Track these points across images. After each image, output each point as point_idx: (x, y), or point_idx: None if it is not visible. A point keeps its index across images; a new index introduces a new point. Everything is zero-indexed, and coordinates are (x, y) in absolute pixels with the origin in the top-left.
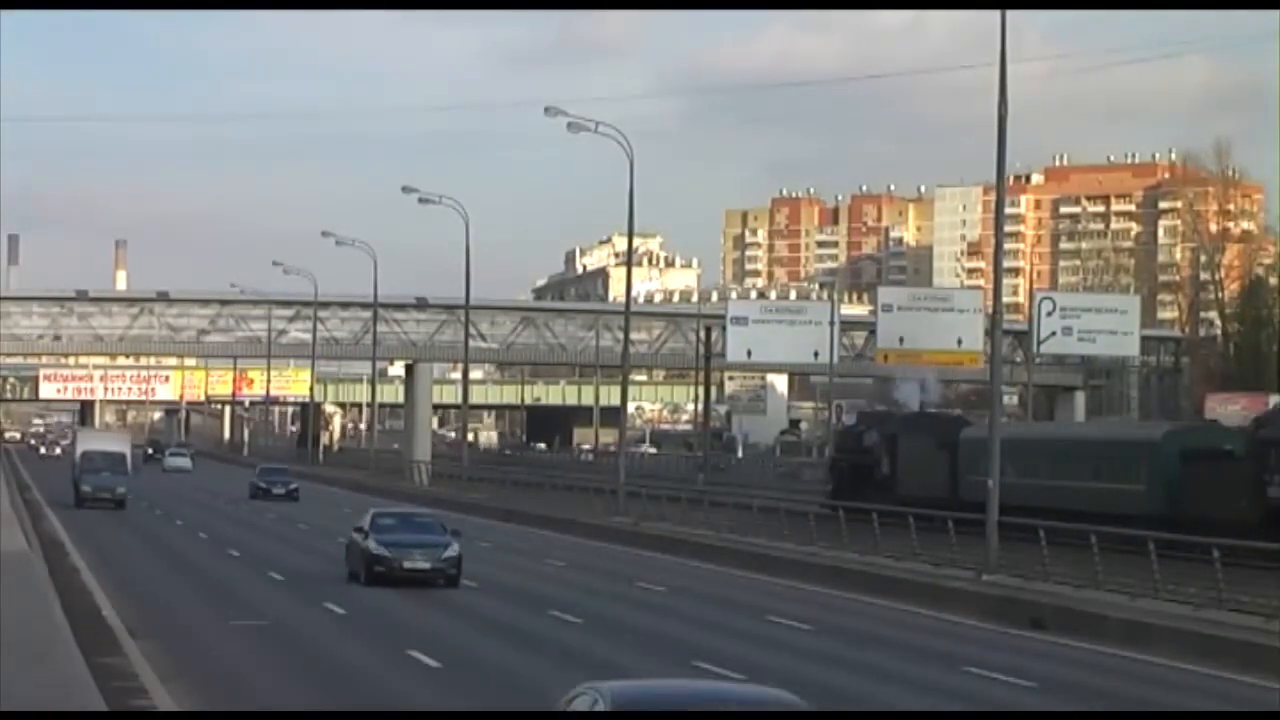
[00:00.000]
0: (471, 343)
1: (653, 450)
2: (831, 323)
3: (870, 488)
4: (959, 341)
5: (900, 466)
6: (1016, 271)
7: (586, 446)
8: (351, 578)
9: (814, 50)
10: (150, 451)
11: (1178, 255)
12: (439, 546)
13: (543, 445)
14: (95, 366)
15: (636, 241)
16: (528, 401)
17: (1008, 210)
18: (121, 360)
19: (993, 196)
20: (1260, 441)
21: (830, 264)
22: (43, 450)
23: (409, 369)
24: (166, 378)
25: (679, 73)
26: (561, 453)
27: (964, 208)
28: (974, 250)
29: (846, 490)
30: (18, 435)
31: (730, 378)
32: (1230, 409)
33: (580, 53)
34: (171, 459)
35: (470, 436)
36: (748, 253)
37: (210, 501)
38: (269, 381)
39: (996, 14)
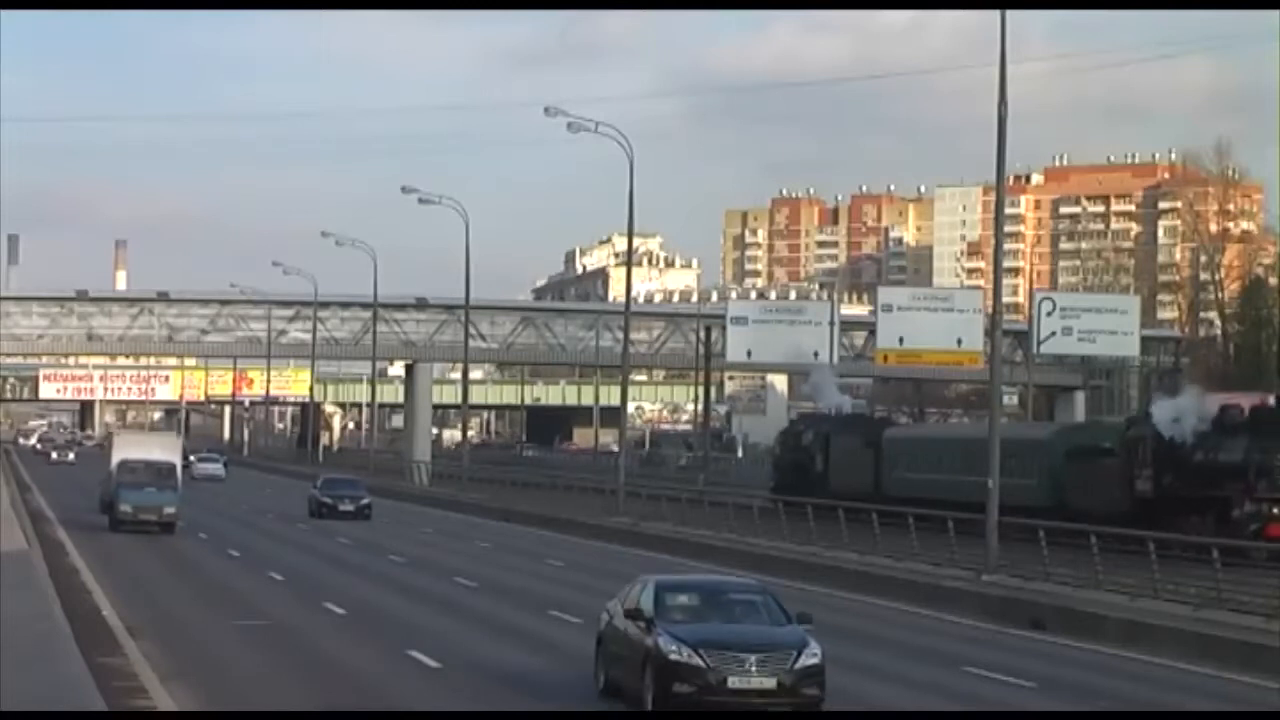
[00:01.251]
0: (471, 343)
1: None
2: (831, 323)
3: (807, 483)
4: (959, 341)
5: (832, 464)
6: (1016, 271)
7: (573, 446)
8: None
9: (815, 50)
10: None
11: (1178, 255)
12: (785, 649)
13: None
14: (95, 366)
15: (636, 241)
16: (528, 401)
17: (1008, 210)
18: (121, 360)
19: (993, 196)
20: (1130, 440)
21: (830, 264)
22: (54, 455)
23: (409, 369)
24: (166, 378)
25: (680, 73)
26: (542, 451)
27: (964, 208)
28: (974, 250)
29: (787, 485)
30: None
31: (730, 378)
32: None
33: (582, 53)
34: (201, 465)
35: (465, 435)
36: (747, 253)
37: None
38: (269, 381)
39: (998, 15)
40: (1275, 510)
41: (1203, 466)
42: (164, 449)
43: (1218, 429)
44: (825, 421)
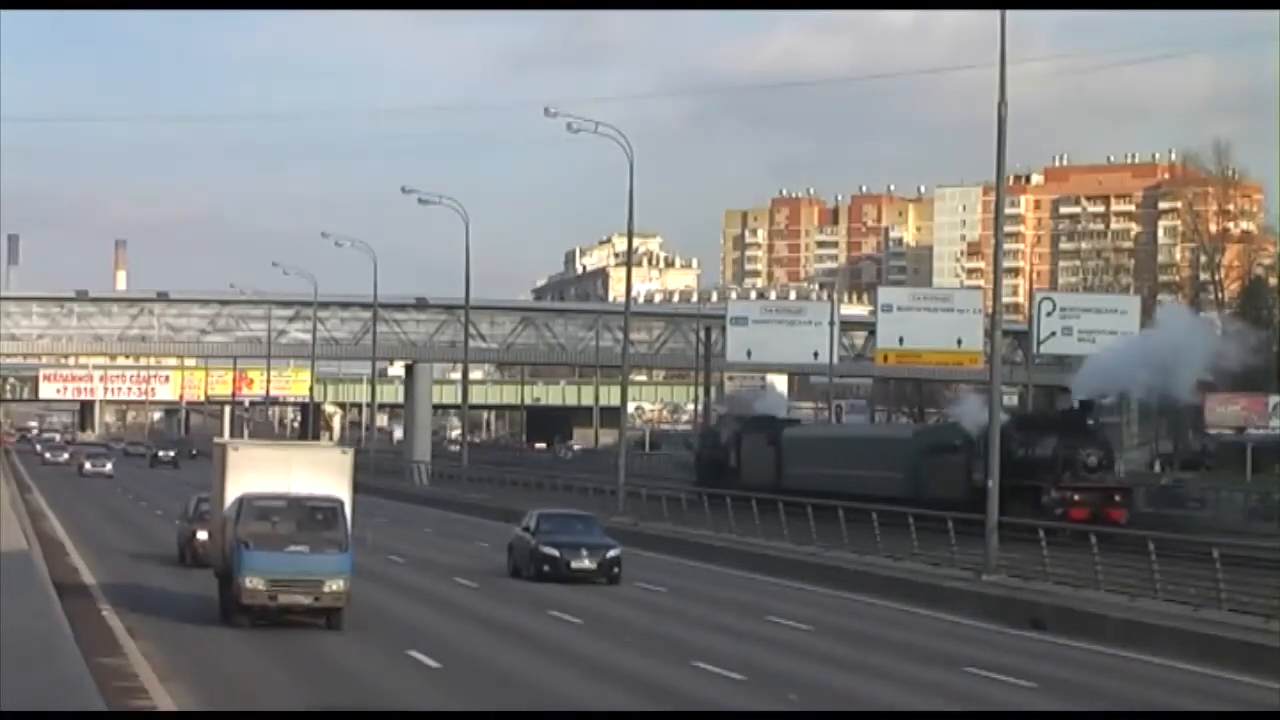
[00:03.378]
0: (471, 343)
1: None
2: (831, 323)
3: (723, 476)
4: (959, 341)
5: (742, 460)
6: (1016, 271)
7: (576, 445)
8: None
9: (816, 51)
10: (159, 454)
11: (1178, 255)
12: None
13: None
14: (95, 366)
15: (636, 242)
16: (528, 402)
17: (1008, 210)
18: (121, 360)
19: (993, 196)
20: (969, 438)
21: (830, 264)
22: (48, 455)
23: (409, 369)
24: (166, 378)
25: (682, 74)
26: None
27: (964, 208)
28: (974, 250)
29: (707, 479)
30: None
31: (730, 378)
32: (1230, 409)
33: (585, 54)
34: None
35: (464, 434)
36: (748, 253)
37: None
38: (269, 381)
39: (1001, 15)
40: (1076, 497)
41: (1020, 460)
42: (320, 471)
43: (1025, 427)
44: (738, 422)
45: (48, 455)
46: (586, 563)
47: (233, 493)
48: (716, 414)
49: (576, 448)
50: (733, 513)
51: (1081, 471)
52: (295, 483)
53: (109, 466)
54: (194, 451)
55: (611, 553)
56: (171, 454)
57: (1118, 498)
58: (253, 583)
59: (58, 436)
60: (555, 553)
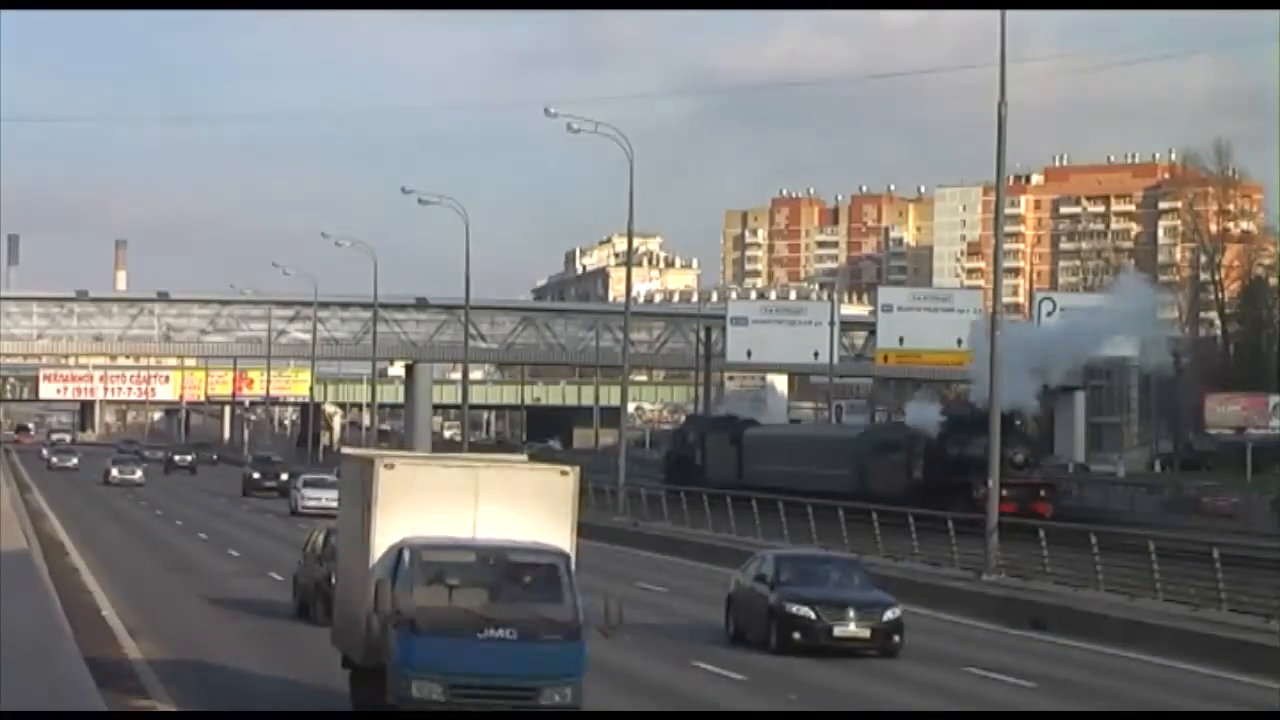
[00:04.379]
0: (471, 343)
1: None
2: (831, 323)
3: (690, 474)
4: (959, 342)
5: (707, 458)
6: (1016, 271)
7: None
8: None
9: (818, 51)
10: (176, 458)
11: (1178, 255)
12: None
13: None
14: (95, 366)
15: (636, 242)
16: (528, 402)
17: (1008, 210)
18: (121, 360)
19: (993, 196)
20: (909, 436)
21: (830, 264)
22: (54, 460)
23: (409, 369)
24: (166, 378)
25: (683, 74)
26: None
27: (964, 208)
28: (974, 250)
29: (675, 477)
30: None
31: (730, 378)
32: (1230, 409)
33: (588, 54)
34: (313, 492)
35: (465, 434)
36: (748, 253)
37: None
38: (269, 381)
39: (1001, 15)
40: (1004, 492)
41: (954, 458)
42: (526, 504)
43: (958, 428)
44: (703, 422)
45: (54, 460)
46: (853, 628)
47: (384, 536)
48: (684, 416)
49: (556, 446)
50: (709, 511)
51: (1009, 468)
52: (486, 522)
53: (139, 474)
54: (214, 457)
55: (890, 614)
56: (189, 458)
57: (1043, 492)
58: (423, 688)
59: (67, 438)
60: (809, 614)
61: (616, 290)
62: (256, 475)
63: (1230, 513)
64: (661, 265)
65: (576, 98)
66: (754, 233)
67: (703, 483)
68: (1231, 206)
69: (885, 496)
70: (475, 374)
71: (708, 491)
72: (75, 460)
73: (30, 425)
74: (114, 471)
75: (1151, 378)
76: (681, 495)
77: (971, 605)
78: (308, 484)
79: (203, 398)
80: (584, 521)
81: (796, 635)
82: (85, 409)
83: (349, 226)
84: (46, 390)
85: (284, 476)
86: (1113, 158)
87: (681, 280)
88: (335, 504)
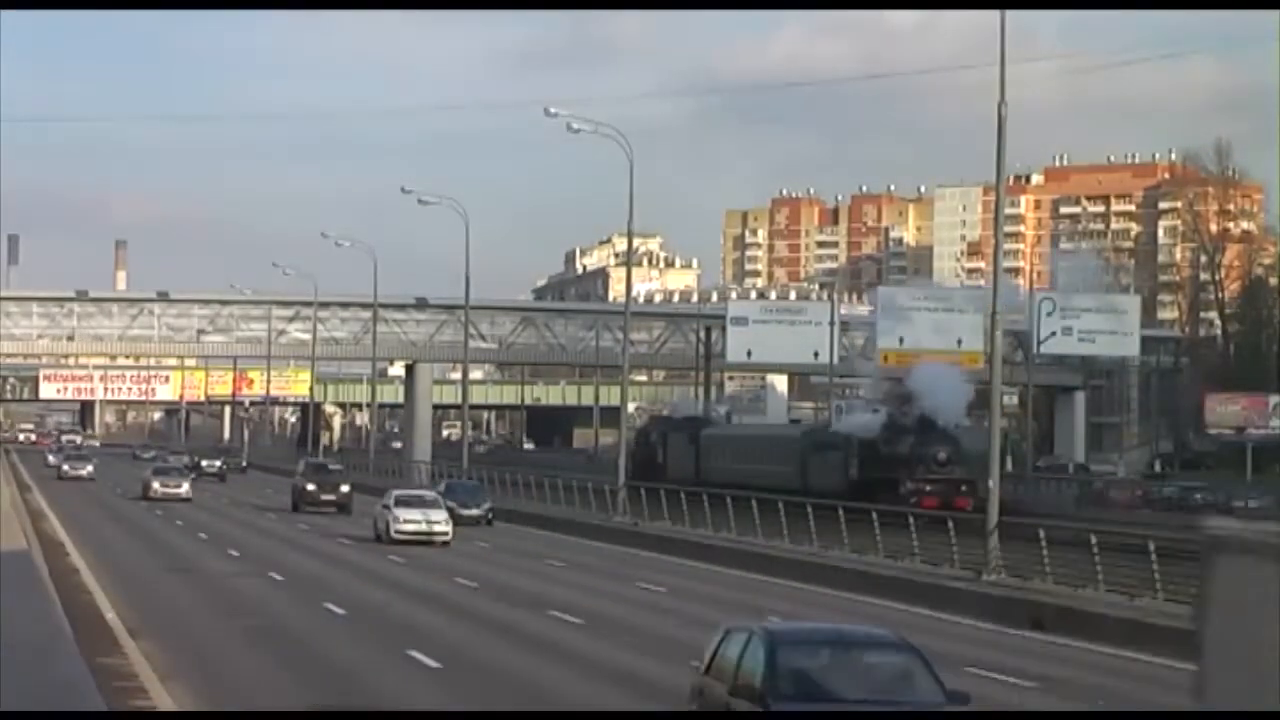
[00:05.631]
0: (471, 343)
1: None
2: (831, 323)
3: (653, 472)
4: (959, 342)
5: (668, 456)
6: (1016, 271)
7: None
8: None
9: (817, 51)
10: (204, 465)
11: (1178, 255)
12: None
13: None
14: (95, 366)
15: (636, 242)
16: (528, 402)
17: (1008, 210)
18: (121, 360)
19: (993, 196)
20: (846, 437)
21: (830, 264)
22: (66, 467)
23: (409, 369)
24: (166, 378)
25: (684, 74)
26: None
27: (964, 208)
28: (974, 250)
29: (640, 474)
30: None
31: (730, 378)
32: (1230, 409)
33: (586, 54)
34: (410, 514)
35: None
36: (748, 253)
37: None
38: (269, 381)
39: (1001, 15)
40: (928, 487)
41: (884, 457)
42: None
43: (888, 429)
44: (665, 422)
45: (66, 467)
46: None
47: None
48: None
49: (530, 447)
50: (709, 511)
51: (933, 466)
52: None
53: (185, 487)
54: (244, 464)
55: None
56: (218, 465)
57: (963, 488)
58: None
59: (79, 440)
60: None
61: (616, 290)
62: (311, 487)
63: (1132, 505)
64: (661, 265)
65: (576, 98)
66: (754, 233)
67: (664, 479)
68: (1231, 206)
69: (824, 491)
70: (475, 374)
71: (665, 487)
72: (90, 468)
73: (30, 425)
74: (156, 485)
75: (1152, 377)
76: (641, 491)
77: (971, 605)
78: (401, 503)
79: (203, 398)
80: (584, 522)
81: None
82: (85, 409)
83: (349, 226)
84: (46, 390)
85: (345, 488)
86: (1113, 158)
87: (681, 280)
88: (438, 528)
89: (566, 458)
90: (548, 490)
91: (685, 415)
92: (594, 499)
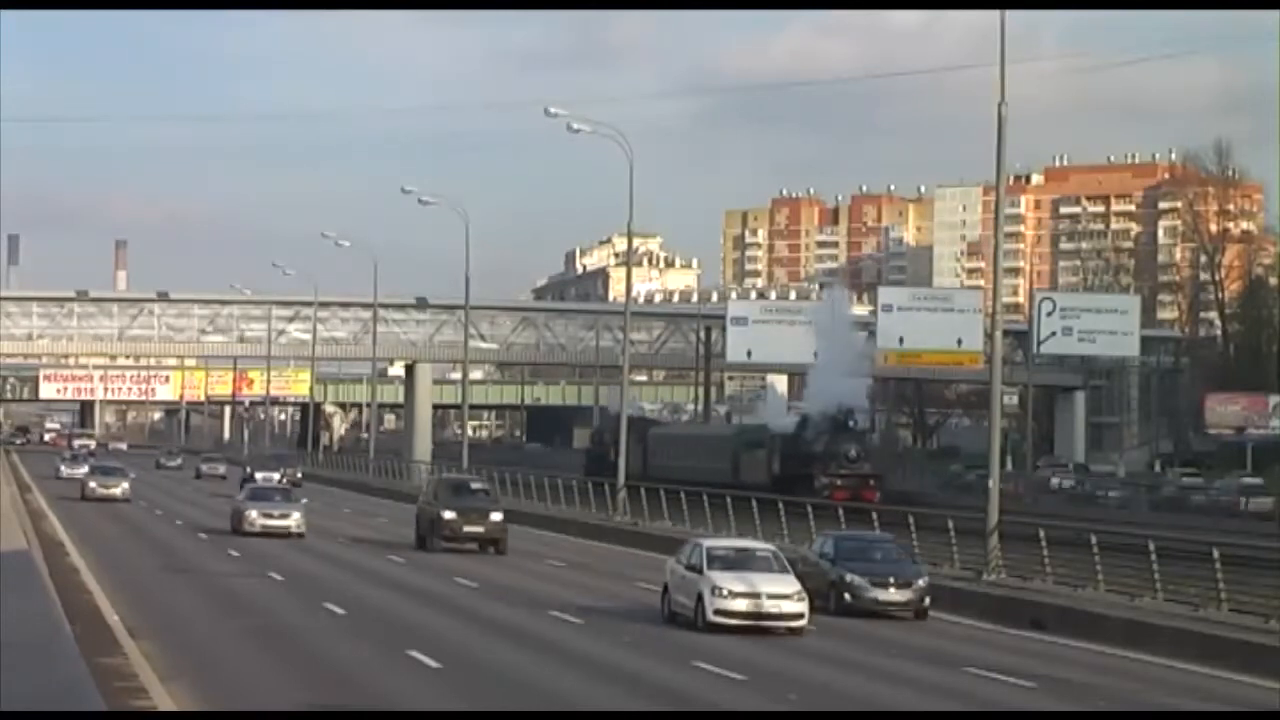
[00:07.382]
0: (471, 343)
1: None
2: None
3: (605, 469)
4: (959, 341)
5: (618, 454)
6: (1016, 271)
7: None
8: None
9: (819, 52)
10: (260, 477)
11: (1178, 255)
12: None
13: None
14: (95, 366)
15: (636, 242)
16: (528, 401)
17: (1008, 210)
18: (121, 360)
19: (993, 196)
20: (770, 435)
21: (830, 264)
22: (93, 484)
23: (409, 369)
24: (166, 378)
25: (685, 74)
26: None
27: (964, 208)
28: (974, 250)
29: (593, 471)
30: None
31: (730, 378)
32: (1230, 409)
33: (586, 54)
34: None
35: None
36: (748, 253)
37: None
38: (269, 381)
39: (1000, 15)
40: (839, 481)
41: (803, 454)
42: None
43: (804, 427)
44: (616, 422)
45: (93, 484)
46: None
47: None
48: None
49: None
50: (709, 511)
51: (844, 461)
52: None
53: (296, 518)
54: (299, 475)
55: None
56: (275, 478)
57: (871, 482)
58: None
59: (92, 444)
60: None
61: (616, 290)
62: (449, 515)
63: (1015, 494)
64: (661, 265)
65: (576, 98)
66: (754, 233)
67: (615, 475)
68: (1231, 206)
69: (752, 485)
70: (475, 374)
71: (609, 481)
72: (126, 485)
73: (56, 426)
74: (253, 514)
75: (1152, 377)
76: (589, 485)
77: (971, 605)
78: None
79: (203, 398)
80: (584, 522)
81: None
82: (85, 409)
83: (349, 226)
84: (46, 390)
85: (496, 516)
86: (1113, 158)
87: (681, 280)
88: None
89: (562, 456)
90: (548, 490)
91: (634, 415)
92: (594, 499)
